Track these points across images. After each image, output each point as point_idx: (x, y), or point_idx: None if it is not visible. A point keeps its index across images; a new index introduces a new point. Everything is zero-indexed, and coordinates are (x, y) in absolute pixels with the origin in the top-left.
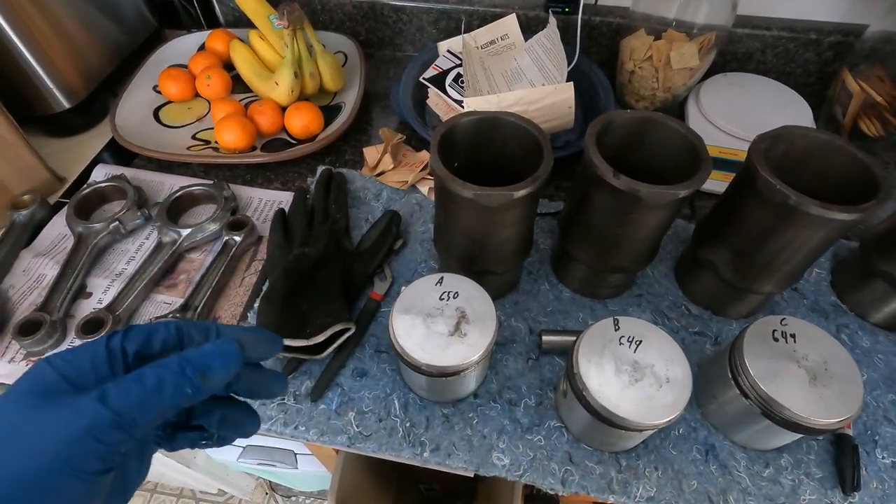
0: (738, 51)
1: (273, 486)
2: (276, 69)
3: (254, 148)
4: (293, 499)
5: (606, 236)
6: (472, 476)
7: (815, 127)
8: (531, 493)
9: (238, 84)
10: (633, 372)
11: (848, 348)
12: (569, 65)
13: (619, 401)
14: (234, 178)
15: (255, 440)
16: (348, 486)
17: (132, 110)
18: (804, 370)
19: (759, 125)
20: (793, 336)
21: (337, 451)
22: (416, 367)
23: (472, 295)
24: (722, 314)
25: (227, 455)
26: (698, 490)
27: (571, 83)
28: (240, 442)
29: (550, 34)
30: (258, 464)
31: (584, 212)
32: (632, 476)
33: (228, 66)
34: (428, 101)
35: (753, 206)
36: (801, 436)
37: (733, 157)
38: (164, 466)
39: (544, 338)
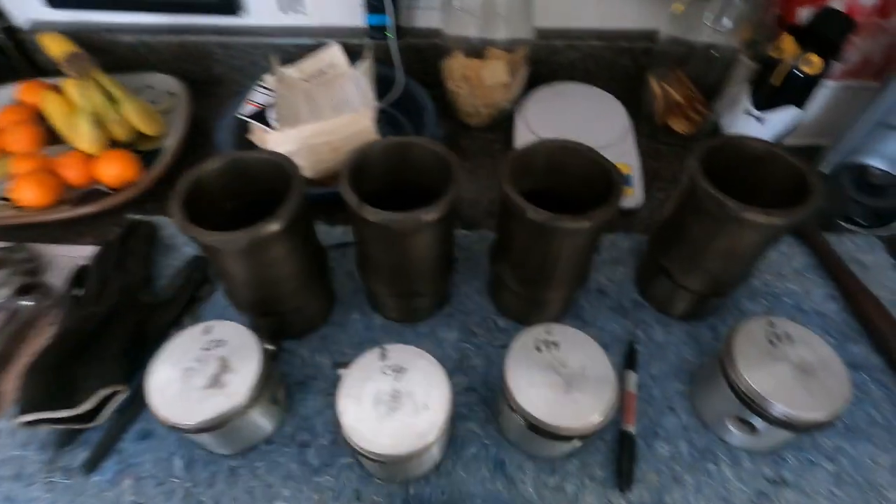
0: (562, 61)
1: None
2: (75, 119)
3: (62, 202)
4: None
5: (388, 261)
6: None
7: (632, 128)
8: None
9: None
10: (392, 401)
11: (642, 343)
12: (393, 88)
13: (374, 435)
14: (42, 238)
15: None
16: None
17: None
18: (561, 378)
19: (578, 132)
20: (555, 344)
21: None
22: (172, 426)
23: (239, 342)
24: (528, 324)
25: None
26: None
27: (369, 110)
28: None
29: (365, 63)
30: None
31: (365, 241)
32: None
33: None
34: (249, 136)
35: (511, 223)
36: (579, 442)
37: None
38: None
39: (339, 371)
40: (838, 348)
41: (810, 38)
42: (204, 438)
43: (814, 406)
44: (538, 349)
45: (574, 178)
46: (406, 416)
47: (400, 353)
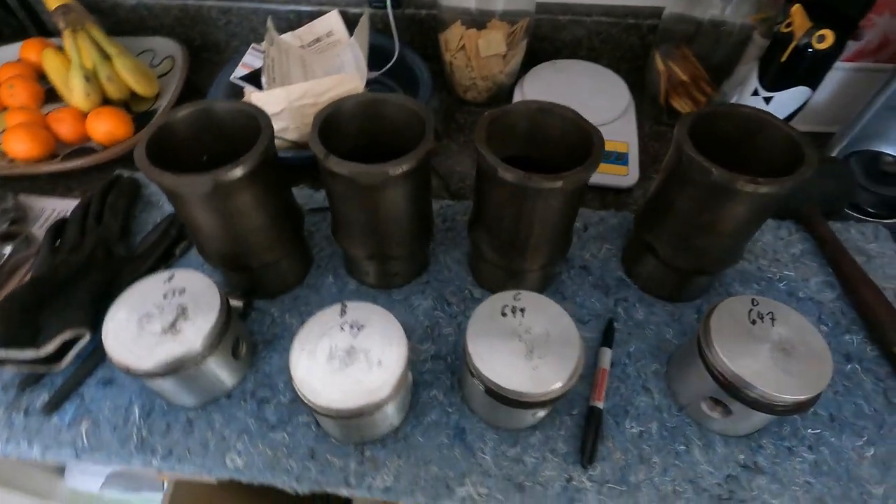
0: (566, 38)
1: None
2: (68, 73)
3: (54, 157)
4: None
5: (364, 222)
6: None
7: (633, 107)
8: None
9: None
10: (346, 357)
11: (621, 321)
12: (392, 59)
13: (324, 388)
14: (32, 190)
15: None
16: None
17: None
18: (524, 344)
19: (576, 108)
20: (522, 310)
21: None
22: (126, 370)
23: (200, 292)
24: None
25: (89, 485)
26: (437, 476)
27: (357, 74)
28: (100, 470)
29: (360, 30)
30: (124, 491)
31: (335, 197)
32: (371, 467)
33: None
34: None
35: (485, 185)
36: (540, 411)
37: None
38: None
39: None
40: (832, 337)
41: (824, 12)
42: (162, 386)
43: (791, 387)
44: (503, 314)
45: (555, 143)
46: (359, 371)
47: (360, 310)
